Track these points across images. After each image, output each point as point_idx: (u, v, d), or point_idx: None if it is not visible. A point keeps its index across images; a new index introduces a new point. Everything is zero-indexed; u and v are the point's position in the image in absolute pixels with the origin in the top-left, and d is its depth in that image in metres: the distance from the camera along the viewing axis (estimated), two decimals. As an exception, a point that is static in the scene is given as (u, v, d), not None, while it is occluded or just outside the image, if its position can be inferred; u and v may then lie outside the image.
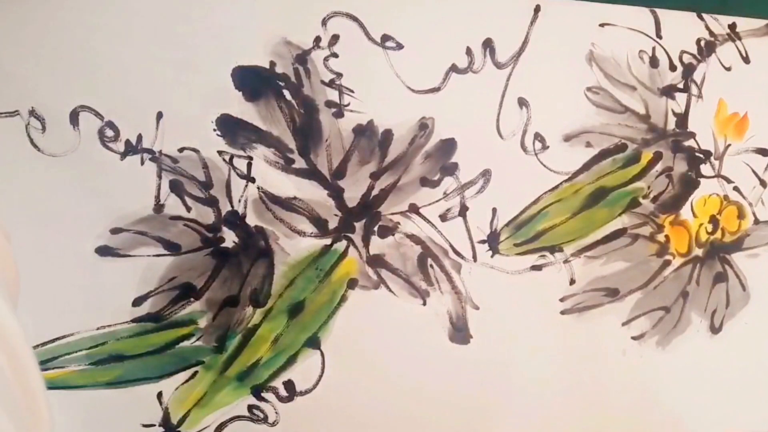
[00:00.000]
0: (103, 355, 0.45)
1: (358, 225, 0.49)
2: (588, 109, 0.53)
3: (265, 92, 0.46)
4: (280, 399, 0.49)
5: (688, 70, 0.55)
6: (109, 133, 0.44)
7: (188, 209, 0.46)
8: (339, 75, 0.47)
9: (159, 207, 0.45)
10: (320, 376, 0.49)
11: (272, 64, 0.46)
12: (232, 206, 0.47)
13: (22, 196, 0.43)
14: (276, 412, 0.49)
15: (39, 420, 0.28)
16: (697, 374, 0.58)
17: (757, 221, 0.59)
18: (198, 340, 0.47)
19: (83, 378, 0.45)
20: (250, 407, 0.48)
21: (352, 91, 0.48)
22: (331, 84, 0.47)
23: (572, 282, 0.54)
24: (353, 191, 0.49)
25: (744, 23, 0.57)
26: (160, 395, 0.46)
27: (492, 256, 0.52)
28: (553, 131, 0.52)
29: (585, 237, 0.54)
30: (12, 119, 0.43)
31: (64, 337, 0.45)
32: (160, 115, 0.45)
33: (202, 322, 0.47)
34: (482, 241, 0.51)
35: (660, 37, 0.54)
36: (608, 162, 0.54)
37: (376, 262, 0.49)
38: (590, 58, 0.53)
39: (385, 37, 0.48)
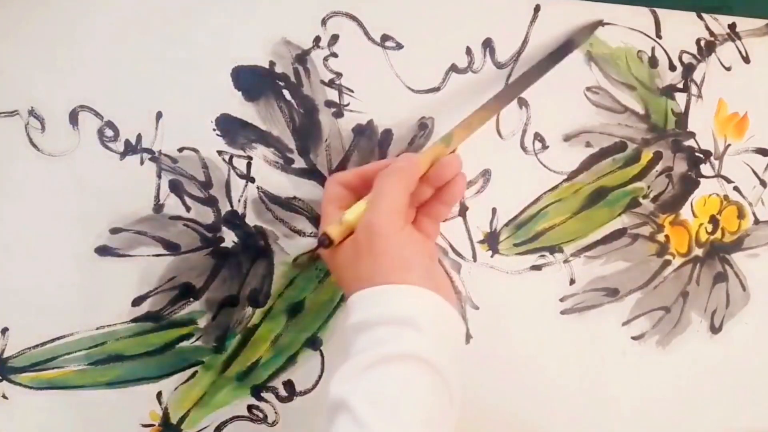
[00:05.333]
0: (102, 355, 0.45)
1: (358, 225, 0.49)
2: (588, 109, 0.53)
3: (264, 92, 0.46)
4: (280, 399, 0.49)
5: (688, 70, 0.55)
6: (109, 133, 0.44)
7: (188, 209, 0.46)
8: (339, 75, 0.47)
9: (158, 207, 0.45)
10: (320, 377, 0.49)
11: (272, 64, 0.46)
12: (232, 206, 0.47)
13: (22, 196, 0.43)
14: (276, 412, 0.49)
15: None
16: (697, 374, 0.58)
17: (757, 221, 0.59)
18: (197, 340, 0.47)
19: (83, 378, 0.45)
20: (250, 407, 0.48)
21: (352, 91, 0.48)
22: (330, 84, 0.47)
23: (572, 282, 0.54)
24: (353, 191, 0.48)
25: (744, 23, 0.57)
26: (159, 395, 0.46)
27: (492, 256, 0.52)
28: (553, 131, 0.52)
29: (585, 237, 0.54)
30: (11, 119, 0.43)
31: (63, 337, 0.45)
32: (159, 115, 0.45)
33: (202, 322, 0.47)
34: (482, 241, 0.51)
35: (660, 37, 0.54)
36: (608, 162, 0.54)
37: (376, 262, 0.49)
38: (590, 58, 0.53)
39: (385, 37, 0.48)
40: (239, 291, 0.47)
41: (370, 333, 0.36)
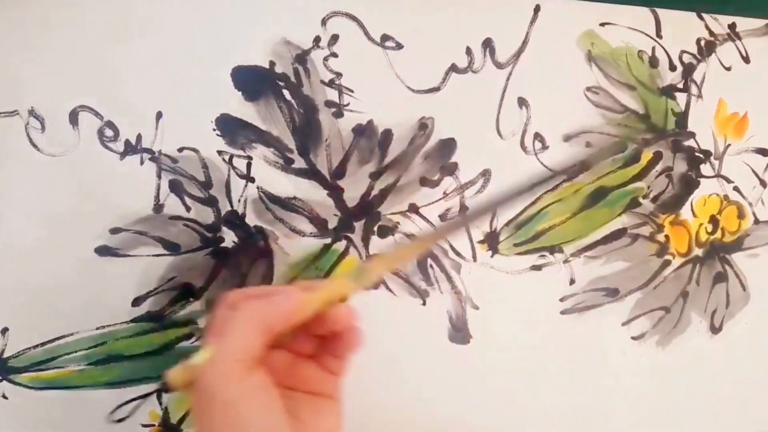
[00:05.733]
0: (102, 355, 0.45)
1: (358, 225, 0.49)
2: (588, 109, 0.53)
3: (264, 92, 0.46)
4: (280, 399, 0.49)
5: (688, 70, 0.55)
6: (109, 132, 0.44)
7: (188, 209, 0.46)
8: (339, 75, 0.47)
9: (158, 207, 0.45)
10: (320, 376, 0.49)
11: (272, 64, 0.46)
12: (232, 206, 0.47)
13: (22, 195, 0.43)
14: (276, 412, 0.49)
15: None
16: (697, 374, 0.58)
17: (757, 221, 0.59)
18: (197, 340, 0.47)
19: (83, 378, 0.45)
20: (250, 407, 0.48)
21: (352, 91, 0.48)
22: (330, 84, 0.47)
23: (572, 282, 0.54)
24: (353, 191, 0.49)
25: (744, 23, 0.57)
26: (159, 395, 0.46)
27: (492, 256, 0.52)
28: (552, 131, 0.52)
29: (585, 237, 0.54)
30: (11, 119, 0.43)
31: (63, 337, 0.45)
32: (159, 115, 0.45)
33: (202, 322, 0.47)
34: (482, 241, 0.51)
35: (660, 37, 0.54)
36: (608, 162, 0.54)
37: (376, 262, 0.49)
38: (590, 58, 0.53)
39: (385, 37, 0.48)
40: (239, 291, 0.47)
41: None
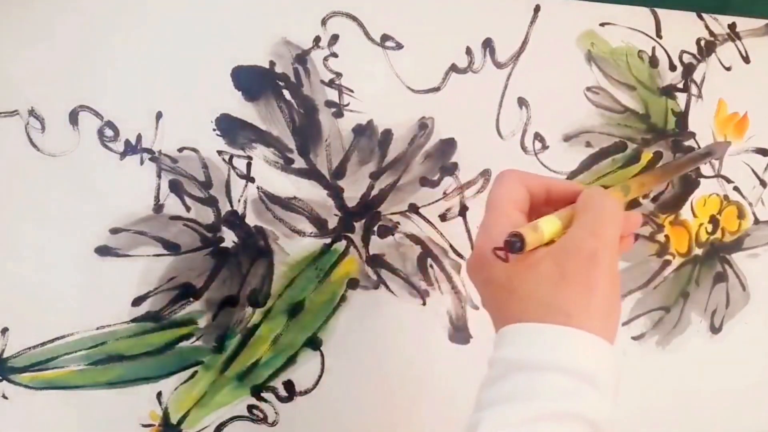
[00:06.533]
0: (102, 355, 0.45)
1: (358, 225, 0.49)
2: (588, 109, 0.53)
3: (264, 92, 0.46)
4: (280, 399, 0.49)
5: (688, 70, 0.55)
6: (109, 132, 0.44)
7: (188, 209, 0.46)
8: (338, 75, 0.47)
9: (158, 207, 0.45)
10: (320, 376, 0.49)
11: (272, 63, 0.46)
12: (232, 206, 0.46)
13: (22, 196, 0.43)
14: (276, 412, 0.49)
15: None
16: (697, 374, 0.58)
17: (757, 221, 0.59)
18: (197, 340, 0.47)
19: (83, 378, 0.45)
20: (250, 407, 0.48)
21: (352, 91, 0.48)
22: (330, 84, 0.47)
23: (572, 282, 0.54)
24: (353, 191, 0.49)
25: (744, 23, 0.57)
26: (159, 395, 0.46)
27: (492, 256, 0.52)
28: (552, 131, 0.52)
29: (585, 237, 0.54)
30: (11, 119, 0.43)
31: (63, 337, 0.45)
32: (159, 115, 0.45)
33: (202, 322, 0.47)
34: (482, 241, 0.51)
35: (660, 37, 0.54)
36: (608, 162, 0.54)
37: (376, 262, 0.49)
38: (590, 58, 0.53)
39: (385, 37, 0.48)
40: (239, 291, 0.47)
41: (541, 378, 0.32)
